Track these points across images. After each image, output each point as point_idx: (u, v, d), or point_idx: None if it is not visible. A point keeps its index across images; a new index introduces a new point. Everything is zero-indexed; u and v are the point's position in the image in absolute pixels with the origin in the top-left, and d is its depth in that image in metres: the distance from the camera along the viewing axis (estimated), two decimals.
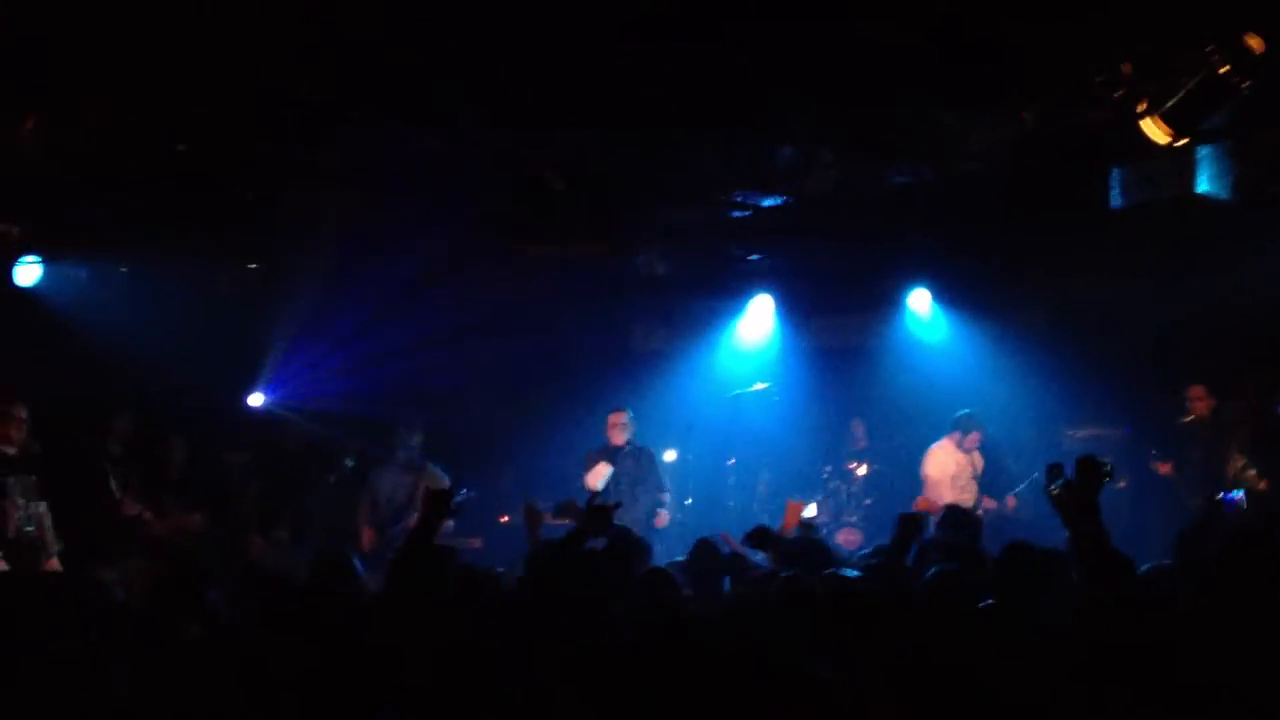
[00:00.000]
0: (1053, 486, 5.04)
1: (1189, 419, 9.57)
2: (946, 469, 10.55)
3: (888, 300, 11.84)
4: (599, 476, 9.93)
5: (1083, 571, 4.66)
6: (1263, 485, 8.74)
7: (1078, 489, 4.68)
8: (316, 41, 6.18)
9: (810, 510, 10.28)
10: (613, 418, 10.07)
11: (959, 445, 10.73)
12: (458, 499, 9.57)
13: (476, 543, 10.21)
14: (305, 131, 7.46)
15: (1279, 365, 9.35)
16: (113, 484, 9.32)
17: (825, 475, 11.92)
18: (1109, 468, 4.73)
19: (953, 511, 7.09)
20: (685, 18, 5.98)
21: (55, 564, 8.41)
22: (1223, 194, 7.88)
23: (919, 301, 11.76)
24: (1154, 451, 9.54)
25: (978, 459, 10.81)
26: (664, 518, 9.86)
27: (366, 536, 9.74)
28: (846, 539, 11.25)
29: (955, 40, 6.20)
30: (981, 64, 6.54)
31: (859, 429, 12.02)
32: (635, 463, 10.00)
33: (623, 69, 6.62)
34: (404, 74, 6.57)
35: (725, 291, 12.08)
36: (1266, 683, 3.77)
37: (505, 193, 8.61)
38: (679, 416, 11.15)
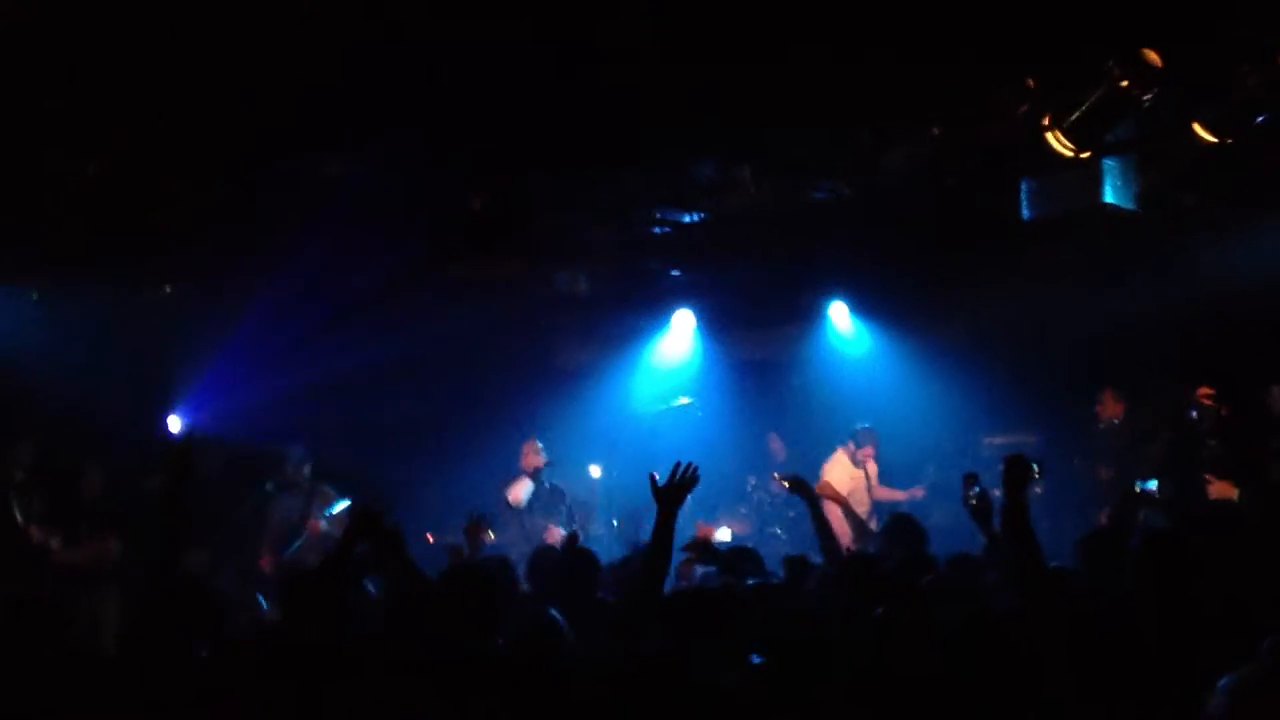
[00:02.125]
0: (970, 495, 5.13)
1: (1101, 424, 9.75)
2: (842, 482, 10.36)
3: (808, 314, 11.96)
4: (521, 491, 9.98)
5: (1006, 573, 4.75)
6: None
7: (1006, 487, 4.78)
8: (234, 71, 6.14)
9: (723, 533, 10.36)
10: (527, 445, 10.17)
11: (852, 458, 10.80)
12: (337, 510, 9.73)
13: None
14: (220, 158, 7.40)
15: (1190, 371, 9.56)
16: (16, 512, 9.12)
17: (750, 487, 11.98)
18: (1036, 466, 4.86)
19: (897, 521, 6.89)
20: (603, 42, 6.03)
21: None
22: (1129, 205, 8.07)
23: (839, 315, 11.89)
24: (1075, 460, 9.69)
25: (872, 469, 10.93)
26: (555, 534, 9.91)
27: (267, 563, 9.68)
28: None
29: (867, 60, 6.31)
30: (893, 83, 6.66)
31: (776, 443, 12.10)
32: (549, 495, 10.09)
33: (542, 91, 6.65)
34: (323, 102, 6.55)
35: (646, 308, 12.13)
36: (1182, 682, 3.85)
37: (425, 213, 8.60)
38: (602, 433, 11.16)
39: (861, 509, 10.19)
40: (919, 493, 10.78)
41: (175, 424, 10.83)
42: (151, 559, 5.43)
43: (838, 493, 8.33)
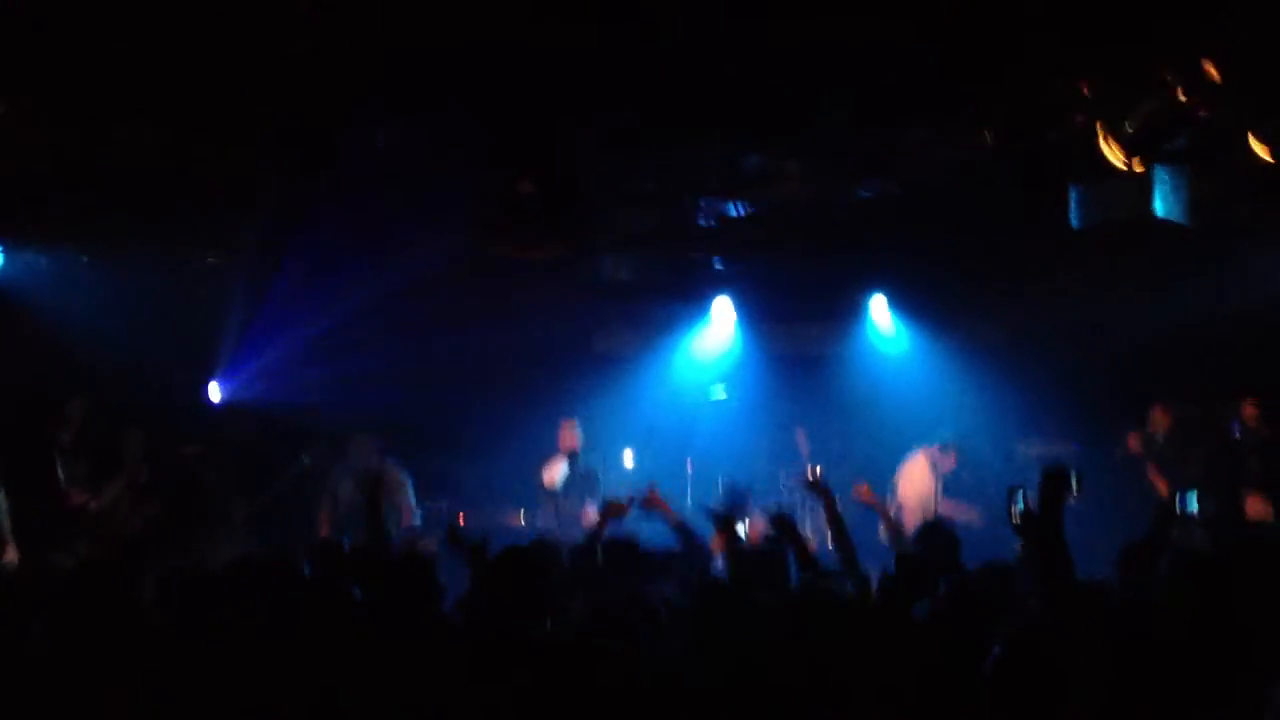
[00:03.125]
0: (1014, 512, 5.10)
1: (1152, 440, 9.59)
2: (919, 483, 10.14)
3: (849, 310, 11.92)
4: (556, 472, 10.01)
5: (1039, 590, 4.72)
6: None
7: (1041, 498, 4.75)
8: (291, 39, 6.18)
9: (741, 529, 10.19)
10: (565, 425, 10.17)
11: (935, 463, 10.31)
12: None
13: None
14: (273, 127, 7.45)
15: (1234, 386, 9.48)
16: (60, 473, 9.25)
17: (781, 482, 11.97)
18: (1075, 481, 4.82)
19: (932, 527, 6.67)
20: (659, 25, 6.03)
21: (13, 553, 8.34)
22: (1179, 217, 7.99)
23: (879, 312, 11.84)
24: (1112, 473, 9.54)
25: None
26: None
27: (324, 528, 9.77)
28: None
29: (924, 59, 6.29)
30: (948, 83, 6.63)
31: (801, 437, 11.97)
32: (584, 477, 10.11)
33: (595, 75, 6.66)
34: (378, 73, 6.58)
35: (688, 297, 12.12)
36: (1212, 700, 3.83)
37: (473, 194, 8.63)
38: (638, 420, 11.19)
39: (925, 517, 9.99)
40: (976, 517, 10.41)
41: (215, 392, 10.95)
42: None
43: (874, 497, 7.98)
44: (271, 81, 6.76)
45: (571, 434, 10.20)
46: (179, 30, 6.12)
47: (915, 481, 10.14)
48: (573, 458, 10.10)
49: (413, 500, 10.19)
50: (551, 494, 10.10)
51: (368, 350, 10.61)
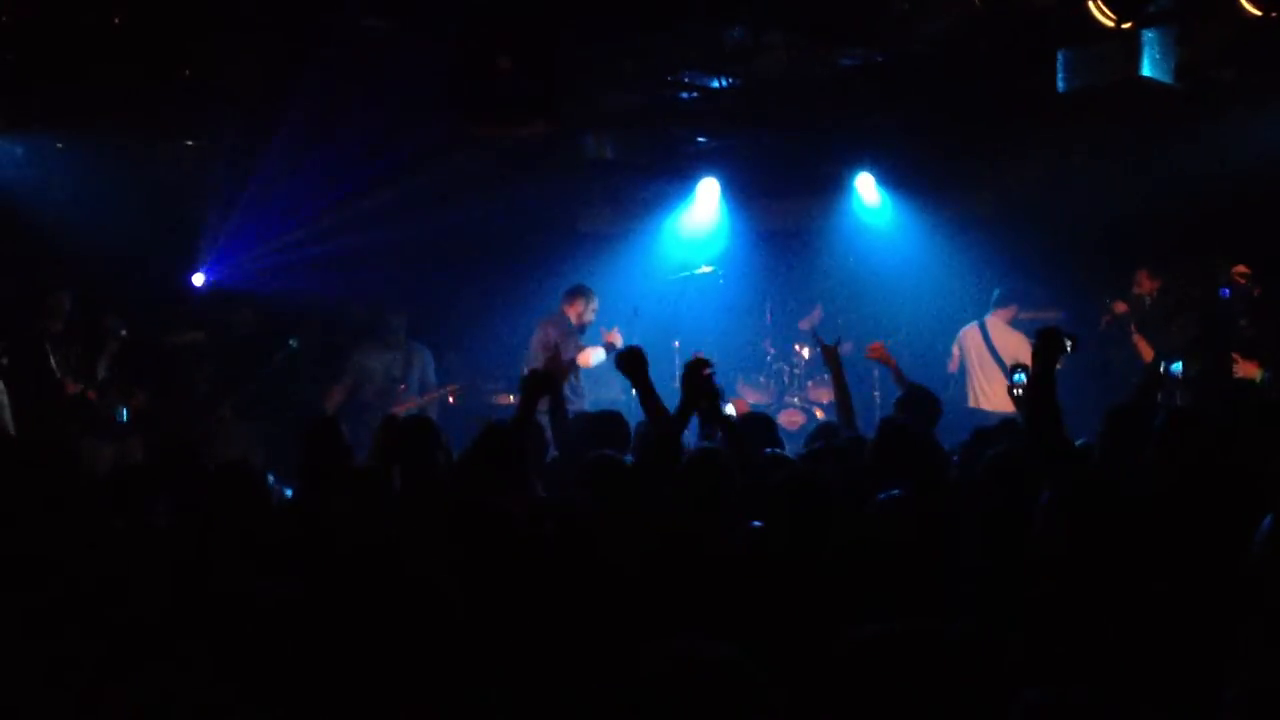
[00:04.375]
0: (1014, 385, 5.16)
1: (1137, 302, 9.62)
2: (1007, 349, 9.91)
3: (835, 184, 11.86)
4: (592, 356, 9.89)
5: (1032, 446, 4.78)
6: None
7: (1036, 358, 4.81)
8: None
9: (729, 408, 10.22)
10: (590, 299, 10.06)
11: (1010, 321, 10.23)
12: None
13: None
14: (248, 9, 7.31)
15: (1223, 248, 9.48)
16: (53, 363, 9.25)
17: (770, 357, 12.06)
18: (1069, 341, 4.88)
19: (916, 394, 6.51)
20: None
21: None
22: (1167, 78, 7.93)
23: (865, 185, 11.79)
24: (1106, 300, 9.55)
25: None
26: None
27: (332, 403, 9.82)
28: (789, 419, 11.41)
29: None
30: None
31: (817, 313, 11.99)
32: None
33: None
34: None
35: (672, 175, 12.06)
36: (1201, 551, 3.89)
37: (452, 72, 8.50)
38: (625, 299, 11.18)
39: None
40: None
41: (199, 279, 10.91)
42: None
43: (886, 353, 7.71)
44: None
45: (590, 310, 10.10)
46: None
47: (1006, 340, 10.05)
48: (609, 349, 9.95)
49: (433, 377, 10.42)
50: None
51: (351, 233, 10.58)
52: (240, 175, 10.17)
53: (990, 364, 10.10)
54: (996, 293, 10.39)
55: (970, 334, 10.38)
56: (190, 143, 10.50)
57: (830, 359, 6.87)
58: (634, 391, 5.76)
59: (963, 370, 10.41)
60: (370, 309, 10.41)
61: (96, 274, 9.76)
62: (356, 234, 10.58)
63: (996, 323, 10.27)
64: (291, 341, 10.29)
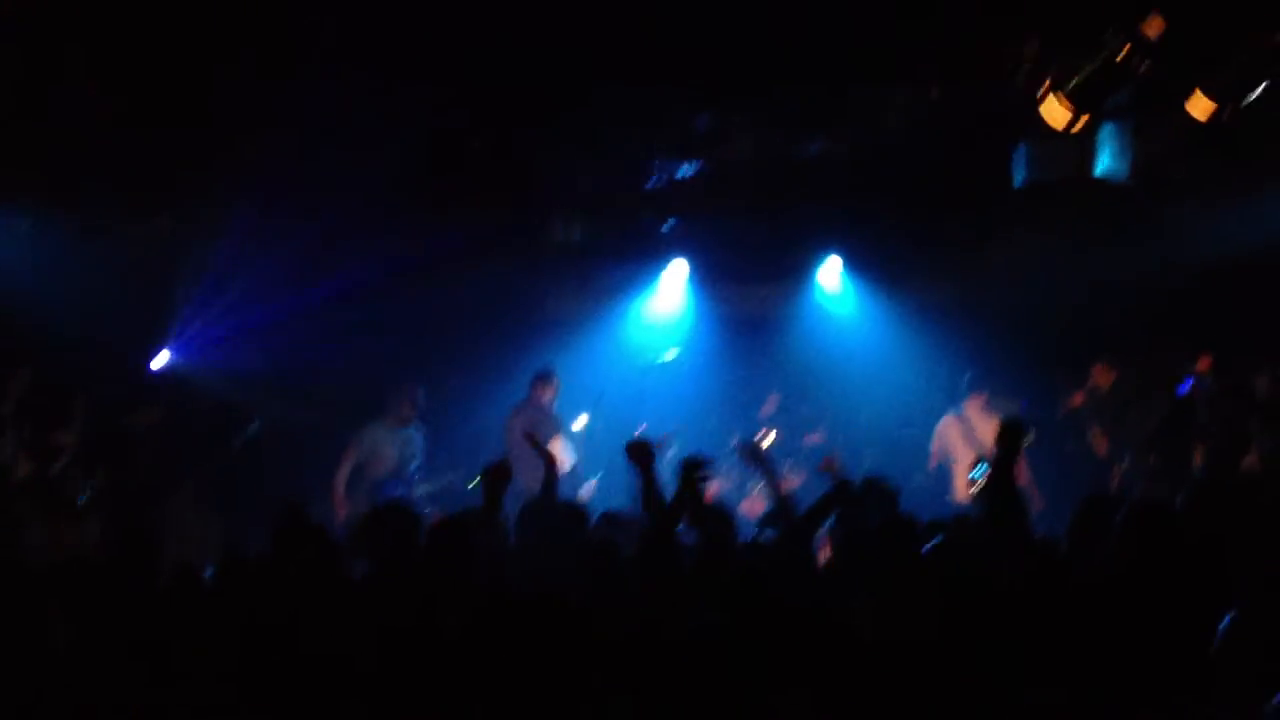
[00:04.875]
0: (977, 478, 5.21)
1: (1092, 395, 9.72)
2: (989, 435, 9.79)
3: (799, 270, 11.99)
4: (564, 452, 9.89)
5: (993, 538, 4.81)
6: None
7: (999, 448, 4.85)
8: None
9: None
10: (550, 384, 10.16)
11: (986, 409, 10.01)
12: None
13: None
14: (221, 85, 7.37)
15: (1182, 341, 9.62)
16: (4, 443, 9.12)
17: (734, 444, 12.05)
18: (1028, 432, 4.93)
19: (871, 485, 6.39)
20: None
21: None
22: (1122, 175, 8.12)
23: (830, 272, 11.92)
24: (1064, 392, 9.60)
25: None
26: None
27: (341, 502, 9.62)
28: (751, 508, 11.38)
29: (868, 14, 6.33)
30: (893, 40, 6.68)
31: (773, 402, 12.06)
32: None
33: (543, 36, 6.65)
34: (327, 31, 6.52)
35: (640, 259, 12.14)
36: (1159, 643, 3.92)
37: (423, 155, 8.59)
38: (590, 383, 11.20)
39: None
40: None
41: (162, 359, 10.84)
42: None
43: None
44: (221, 38, 6.69)
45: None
46: None
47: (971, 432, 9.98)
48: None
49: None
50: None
51: (315, 314, 10.54)
52: (205, 254, 10.15)
53: (975, 453, 9.96)
54: (968, 376, 10.42)
55: (949, 425, 10.29)
56: (156, 221, 10.47)
57: (755, 460, 6.85)
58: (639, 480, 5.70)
59: (943, 464, 10.32)
60: (385, 384, 10.26)
61: (59, 351, 9.69)
62: (321, 315, 10.54)
63: (974, 410, 10.20)
64: (254, 424, 10.23)
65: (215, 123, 8.09)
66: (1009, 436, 4.95)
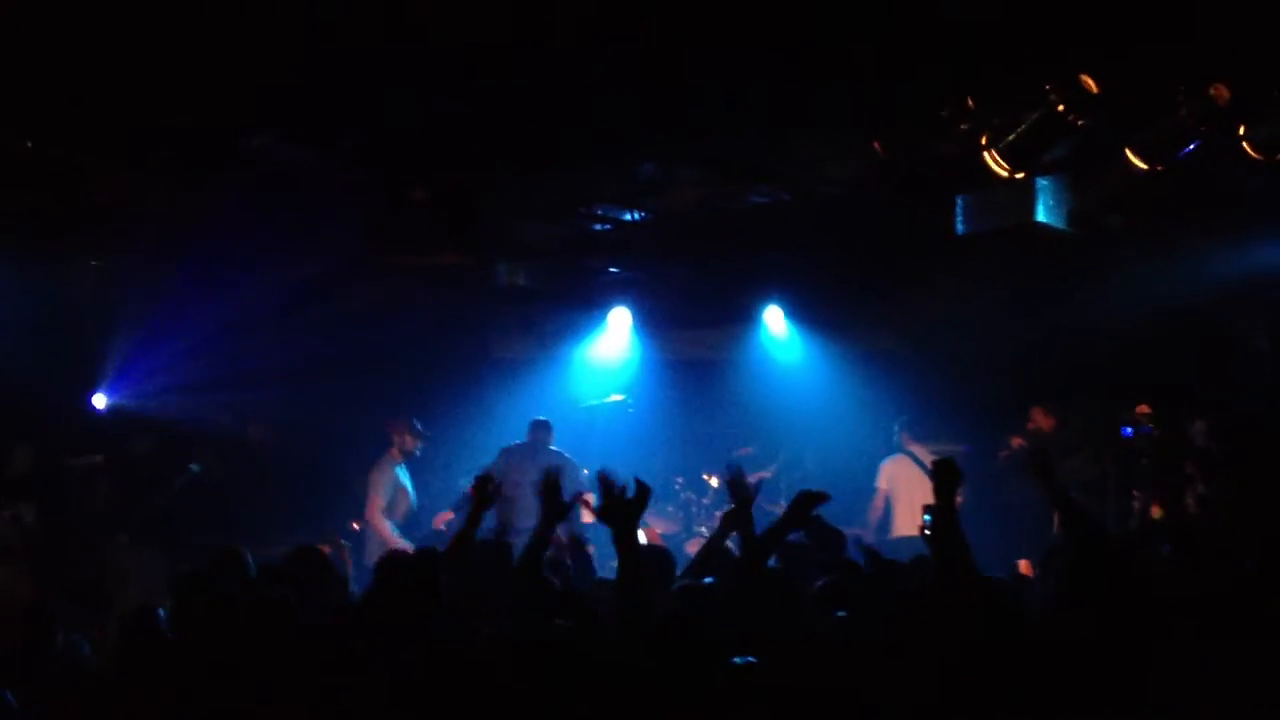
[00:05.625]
0: (924, 525, 5.23)
1: (1018, 443, 9.83)
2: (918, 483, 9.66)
3: (744, 316, 12.06)
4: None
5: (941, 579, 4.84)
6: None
7: (936, 490, 4.90)
8: (174, 52, 6.09)
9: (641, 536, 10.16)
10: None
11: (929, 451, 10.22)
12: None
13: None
14: (159, 138, 7.32)
15: (1120, 388, 9.76)
16: None
17: (678, 487, 12.07)
18: (959, 469, 4.99)
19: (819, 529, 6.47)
20: (549, 39, 6.06)
21: None
22: (1060, 224, 8.24)
23: (774, 318, 12.00)
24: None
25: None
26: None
27: (391, 538, 9.61)
28: (696, 549, 11.36)
29: (812, 71, 6.40)
30: (837, 94, 6.75)
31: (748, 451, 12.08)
32: None
33: (487, 88, 6.67)
34: (265, 87, 6.51)
35: (584, 304, 12.18)
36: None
37: (367, 202, 8.57)
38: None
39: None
40: None
41: (101, 401, 10.72)
42: None
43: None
44: (157, 89, 6.64)
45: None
46: (56, 35, 5.99)
47: (914, 475, 10.02)
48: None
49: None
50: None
51: (257, 356, 10.45)
52: (145, 296, 10.05)
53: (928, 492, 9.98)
54: (904, 420, 10.53)
55: (900, 464, 10.43)
56: (95, 263, 10.37)
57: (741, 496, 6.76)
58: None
59: (887, 503, 10.42)
60: (391, 421, 10.33)
61: None
62: (263, 356, 10.47)
63: (921, 452, 10.35)
64: (193, 466, 10.12)
65: (150, 168, 8.02)
66: (941, 475, 4.99)
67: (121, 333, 10.42)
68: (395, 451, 10.12)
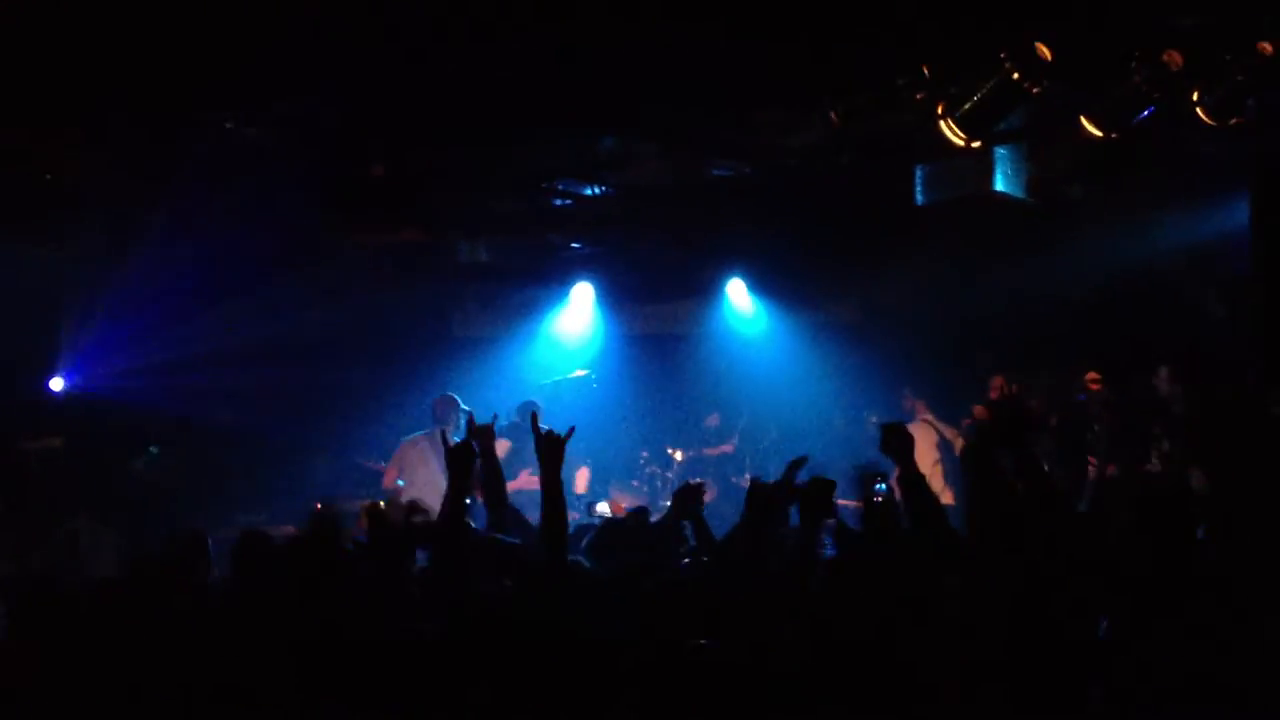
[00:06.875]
0: (873, 493, 5.21)
1: (980, 412, 9.90)
2: (932, 451, 9.84)
3: (706, 289, 12.09)
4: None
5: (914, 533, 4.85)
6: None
7: (895, 454, 4.90)
8: (130, 28, 6.02)
9: (603, 507, 10.21)
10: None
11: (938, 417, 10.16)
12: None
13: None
14: (113, 116, 7.24)
15: (1076, 356, 9.83)
16: None
17: (643, 461, 12.09)
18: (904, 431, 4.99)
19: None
20: (504, 11, 6.03)
21: None
22: (1018, 193, 8.29)
23: (736, 291, 12.03)
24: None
25: None
26: None
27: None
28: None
29: (771, 43, 6.40)
30: (795, 67, 6.76)
31: (714, 419, 12.14)
32: None
33: (445, 61, 6.63)
34: (222, 62, 6.44)
35: (546, 279, 12.16)
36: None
37: (327, 178, 8.51)
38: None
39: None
40: None
41: (57, 384, 10.63)
42: None
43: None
44: (109, 68, 6.57)
45: None
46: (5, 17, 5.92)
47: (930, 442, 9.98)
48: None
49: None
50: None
51: (217, 336, 10.39)
52: (102, 278, 9.97)
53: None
54: (911, 389, 10.45)
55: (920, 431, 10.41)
56: (51, 246, 10.26)
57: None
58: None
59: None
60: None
61: None
62: (222, 337, 10.40)
63: (934, 420, 10.26)
64: (152, 448, 10.06)
65: (104, 148, 7.94)
66: (897, 439, 4.99)
67: (77, 316, 10.33)
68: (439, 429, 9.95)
